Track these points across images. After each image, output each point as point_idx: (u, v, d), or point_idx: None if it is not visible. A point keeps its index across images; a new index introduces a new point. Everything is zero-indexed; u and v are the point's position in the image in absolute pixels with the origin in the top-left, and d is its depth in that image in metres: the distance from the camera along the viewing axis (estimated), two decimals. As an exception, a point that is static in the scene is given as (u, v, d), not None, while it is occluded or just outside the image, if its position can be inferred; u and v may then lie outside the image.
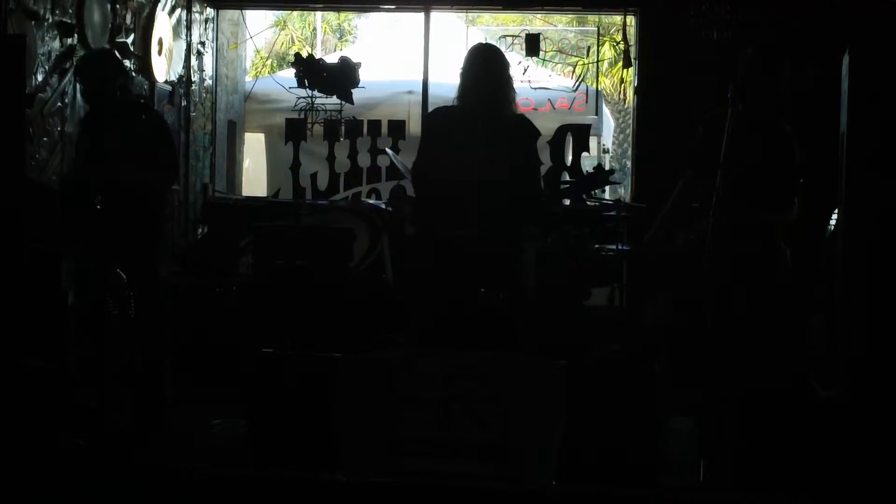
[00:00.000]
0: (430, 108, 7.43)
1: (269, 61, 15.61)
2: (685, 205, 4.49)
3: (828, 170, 5.20)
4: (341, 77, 7.33)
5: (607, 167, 7.24)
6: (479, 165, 4.36)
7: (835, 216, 5.07)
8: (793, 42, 6.46)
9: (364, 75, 7.51)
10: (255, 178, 10.00)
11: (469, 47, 4.81)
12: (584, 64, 8.50)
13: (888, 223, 3.45)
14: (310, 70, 7.32)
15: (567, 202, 6.82)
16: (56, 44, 5.78)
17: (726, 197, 4.04)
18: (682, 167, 4.59)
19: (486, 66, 4.49)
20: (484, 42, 4.94)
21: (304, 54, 7.65)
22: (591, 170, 7.01)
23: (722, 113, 4.30)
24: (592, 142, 8.40)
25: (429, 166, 4.57)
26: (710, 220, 4.06)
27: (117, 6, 6.52)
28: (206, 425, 4.62)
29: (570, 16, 11.83)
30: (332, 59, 7.83)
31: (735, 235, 4.20)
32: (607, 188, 9.44)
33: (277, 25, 17.12)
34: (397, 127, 7.86)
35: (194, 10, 7.93)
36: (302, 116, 7.70)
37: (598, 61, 8.67)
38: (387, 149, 7.15)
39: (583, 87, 8.38)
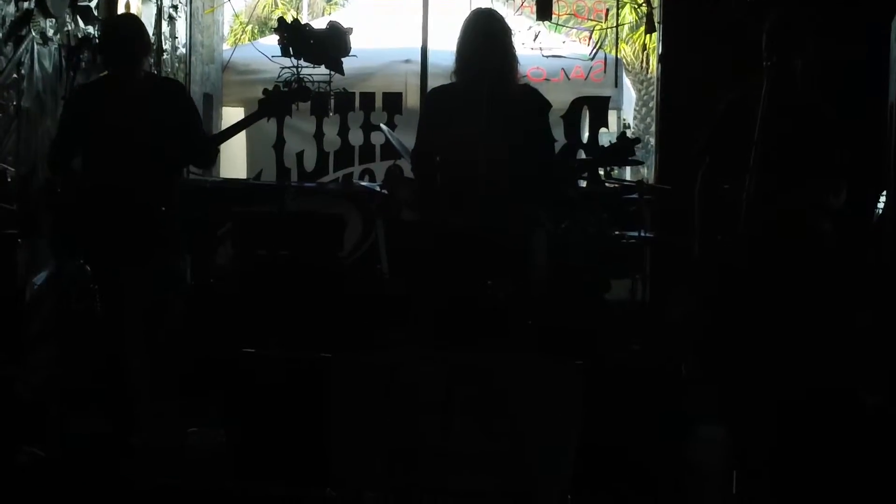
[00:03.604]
0: (431, 79, 7.42)
1: (249, 27, 15.58)
2: (713, 196, 4.49)
3: (874, 148, 5.22)
4: (330, 44, 7.30)
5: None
6: (486, 145, 4.37)
7: (882, 200, 5.08)
8: (836, 5, 6.44)
9: (356, 42, 7.48)
10: (234, 157, 9.99)
11: (470, 11, 4.81)
12: (601, 29, 8.48)
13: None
14: (295, 37, 7.29)
15: (584, 184, 6.81)
16: (11, 8, 5.78)
17: (762, 180, 4.05)
18: (698, 154, 4.62)
19: (485, 34, 4.50)
20: (482, 7, 4.93)
21: (289, 19, 7.62)
22: (612, 140, 6.99)
23: (746, 91, 4.31)
24: (612, 116, 8.36)
25: (430, 149, 4.60)
26: (744, 205, 4.07)
27: (79, -35, 6.52)
28: (181, 434, 4.63)
29: (587, -26, 11.83)
30: (320, 24, 7.82)
31: (771, 224, 4.20)
32: (628, 168, 9.43)
33: (259, -14, 17.09)
34: (393, 100, 7.85)
35: (165, -31, 7.92)
36: (286, 89, 7.68)
37: (617, 26, 8.66)
38: (381, 125, 7.15)
39: (601, 54, 8.35)
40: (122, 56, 4.80)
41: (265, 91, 5.31)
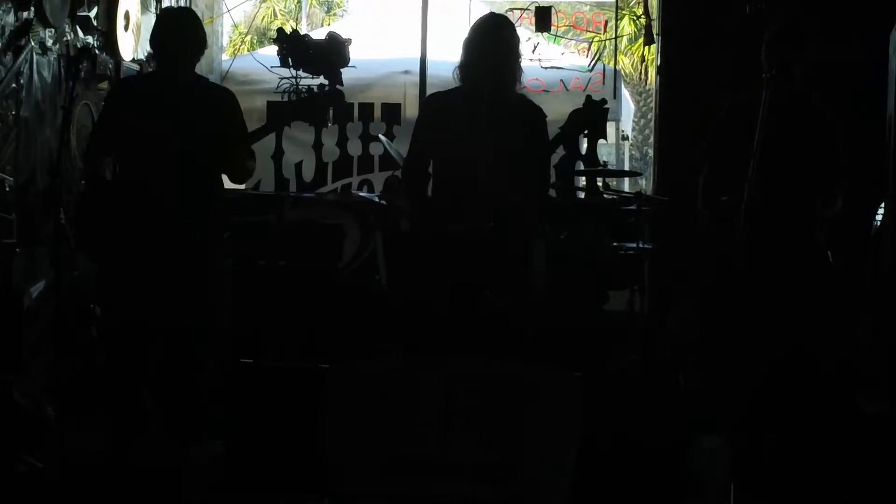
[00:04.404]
0: (429, 90, 7.42)
1: (248, 38, 15.61)
2: (713, 201, 4.51)
3: (873, 159, 5.23)
4: (329, 55, 7.31)
5: (626, 156, 7.20)
6: (482, 154, 4.38)
7: (881, 212, 5.09)
8: (834, 14, 6.46)
9: (354, 53, 7.50)
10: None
11: (472, 21, 4.84)
12: (600, 40, 8.50)
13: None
14: (294, 47, 7.31)
15: (581, 195, 6.83)
16: (10, 18, 5.79)
17: (760, 190, 4.06)
18: (699, 160, 4.64)
19: (493, 38, 4.52)
20: (494, 12, 4.97)
21: (288, 30, 7.64)
22: (604, 143, 7.00)
23: (746, 98, 4.33)
24: (610, 127, 8.39)
25: (423, 160, 4.63)
26: (742, 216, 4.08)
27: (79, -24, 6.53)
28: (180, 444, 4.63)
29: (586, -14, 11.88)
30: (318, 35, 7.83)
31: (770, 234, 4.22)
32: (626, 179, 9.45)
33: (257, -3, 17.14)
34: (392, 111, 7.86)
35: (165, -21, 7.94)
36: (285, 99, 7.70)
37: (616, 38, 8.67)
38: (380, 135, 7.15)
39: (599, 66, 8.38)
40: (170, 53, 4.63)
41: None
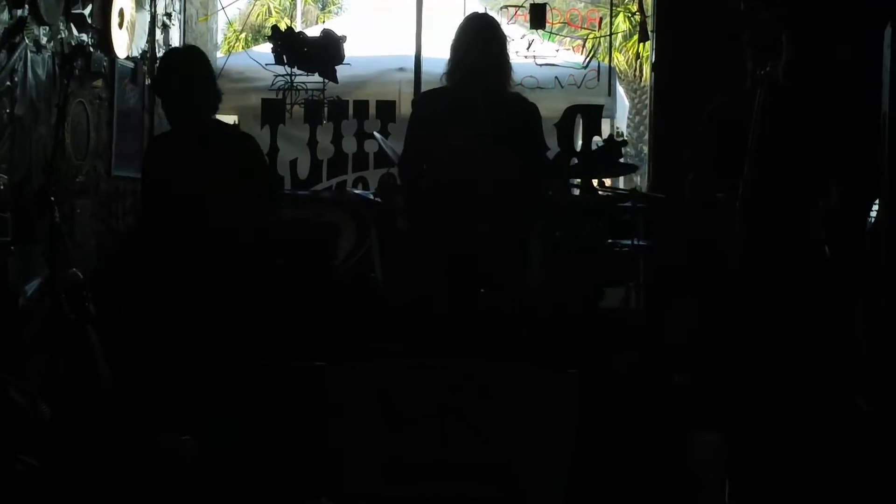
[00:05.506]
0: (424, 87, 7.42)
1: (243, 35, 15.60)
2: (705, 202, 4.52)
3: (870, 156, 5.23)
4: (324, 52, 7.32)
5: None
6: (476, 152, 4.38)
7: (876, 208, 5.09)
8: (832, 14, 6.46)
9: (349, 50, 7.50)
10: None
11: (466, 16, 4.85)
12: (595, 38, 8.50)
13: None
14: (289, 45, 7.32)
15: (577, 192, 6.82)
16: (5, 15, 5.77)
17: (757, 185, 4.06)
18: (684, 168, 4.65)
19: (479, 38, 4.53)
20: (479, 12, 4.98)
21: (283, 27, 7.65)
22: (600, 142, 6.97)
23: (726, 101, 4.35)
24: (605, 125, 8.38)
25: (417, 158, 4.62)
26: (738, 209, 4.09)
27: (73, -27, 6.51)
28: (175, 444, 4.61)
29: (580, -17, 11.89)
30: (313, 32, 7.83)
31: (766, 231, 4.22)
32: (621, 177, 9.45)
33: (252, -6, 17.12)
34: (387, 108, 7.84)
35: (159, -23, 7.92)
36: (280, 96, 7.69)
37: (611, 34, 8.66)
38: (375, 132, 7.14)
39: (594, 63, 8.37)
40: (190, 106, 4.66)
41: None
